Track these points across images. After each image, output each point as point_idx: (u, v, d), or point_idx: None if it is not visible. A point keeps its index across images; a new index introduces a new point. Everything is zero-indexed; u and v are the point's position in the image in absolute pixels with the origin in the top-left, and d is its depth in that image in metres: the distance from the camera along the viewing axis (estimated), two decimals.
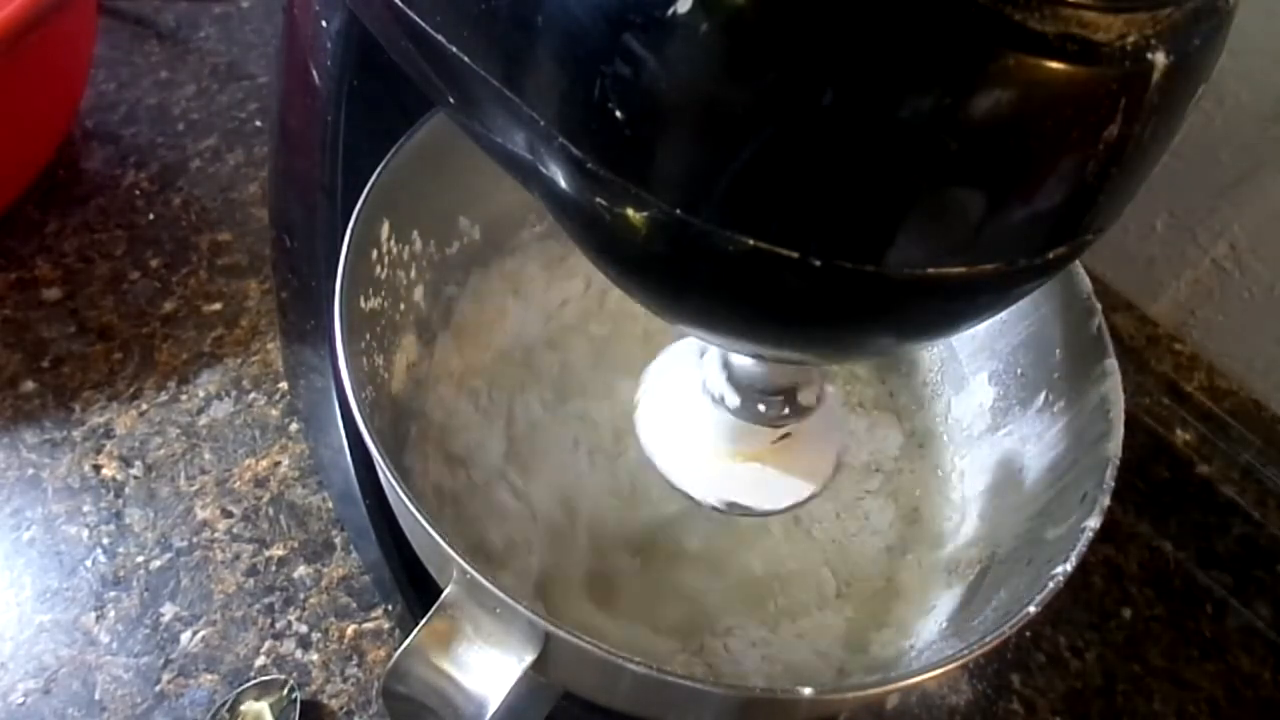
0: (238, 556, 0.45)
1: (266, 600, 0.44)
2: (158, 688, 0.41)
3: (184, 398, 0.50)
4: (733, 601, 0.39)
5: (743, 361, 0.30)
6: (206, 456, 0.48)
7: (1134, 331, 0.60)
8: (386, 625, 0.44)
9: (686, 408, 0.32)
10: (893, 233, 0.18)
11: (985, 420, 0.40)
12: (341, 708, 0.41)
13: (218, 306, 0.54)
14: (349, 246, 0.32)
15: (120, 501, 0.46)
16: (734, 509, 0.32)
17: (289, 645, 0.43)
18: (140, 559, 0.44)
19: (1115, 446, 0.32)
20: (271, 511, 0.46)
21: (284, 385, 0.50)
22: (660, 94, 0.18)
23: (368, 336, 0.36)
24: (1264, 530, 0.53)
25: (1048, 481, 0.35)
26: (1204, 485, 0.55)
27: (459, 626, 0.27)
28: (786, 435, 0.32)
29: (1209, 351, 0.59)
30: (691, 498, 0.32)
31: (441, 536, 0.26)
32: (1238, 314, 0.57)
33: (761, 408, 0.30)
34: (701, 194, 0.18)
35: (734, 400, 0.30)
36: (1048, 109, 0.17)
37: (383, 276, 0.37)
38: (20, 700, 0.40)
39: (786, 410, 0.30)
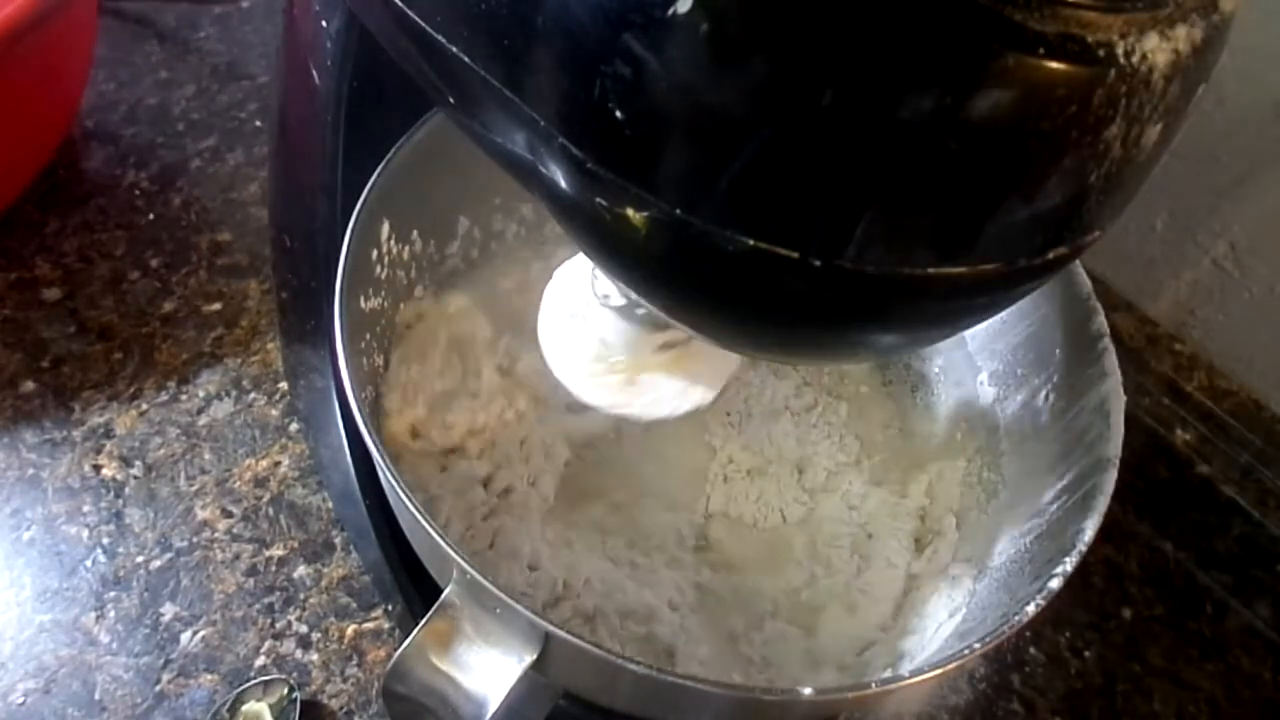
0: (238, 556, 0.45)
1: (266, 600, 0.44)
2: (158, 688, 0.41)
3: (184, 398, 0.50)
4: (731, 604, 0.39)
5: None
6: (206, 456, 0.48)
7: (1134, 331, 0.60)
8: (386, 625, 0.44)
9: (581, 318, 0.32)
10: (893, 233, 0.18)
11: (985, 420, 0.40)
12: (341, 708, 0.41)
13: (218, 306, 0.54)
14: (349, 246, 0.32)
15: (120, 501, 0.46)
16: (624, 415, 0.32)
17: (289, 645, 0.43)
18: (140, 559, 0.44)
19: (1115, 447, 0.32)
20: (271, 511, 0.46)
21: (284, 385, 0.50)
22: (660, 94, 0.18)
23: (368, 336, 0.36)
24: (1264, 530, 0.53)
25: (1048, 482, 0.35)
26: (1204, 485, 0.55)
27: (459, 626, 0.27)
28: (678, 344, 0.32)
29: (1209, 351, 0.59)
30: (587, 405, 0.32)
31: (441, 536, 0.26)
32: (1238, 314, 0.57)
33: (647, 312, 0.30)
34: (701, 194, 0.18)
35: (621, 304, 0.30)
36: (1048, 109, 0.17)
37: (383, 276, 0.37)
38: (20, 700, 0.40)
39: None
